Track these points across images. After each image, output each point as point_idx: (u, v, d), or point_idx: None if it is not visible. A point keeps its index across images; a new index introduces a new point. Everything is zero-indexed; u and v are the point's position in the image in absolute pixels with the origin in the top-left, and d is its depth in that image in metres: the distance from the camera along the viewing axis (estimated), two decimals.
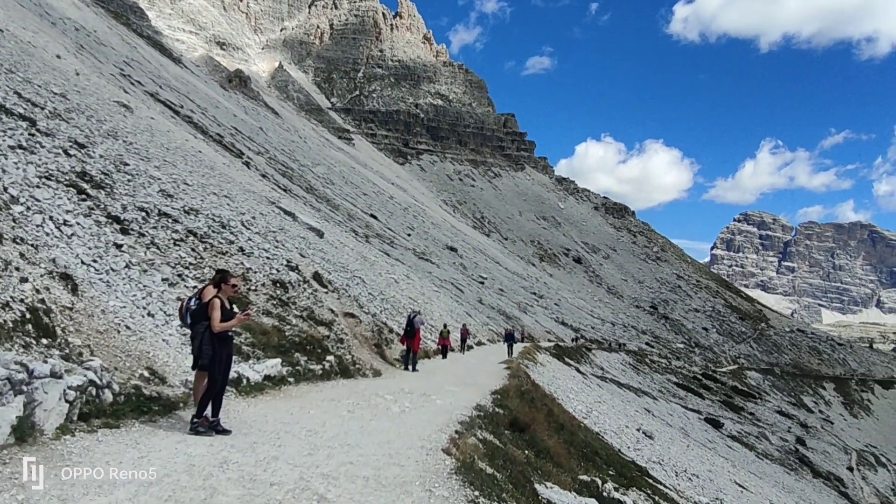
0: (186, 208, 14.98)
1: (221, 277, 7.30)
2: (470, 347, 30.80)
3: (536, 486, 7.24)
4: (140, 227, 11.86)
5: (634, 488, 11.94)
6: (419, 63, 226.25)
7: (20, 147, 11.60)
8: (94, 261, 9.24)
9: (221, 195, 23.18)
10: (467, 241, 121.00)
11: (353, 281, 23.29)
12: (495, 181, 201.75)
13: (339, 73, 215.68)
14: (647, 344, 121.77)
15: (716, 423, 61.17)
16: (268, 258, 15.83)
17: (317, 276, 17.85)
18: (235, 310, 7.54)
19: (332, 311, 15.29)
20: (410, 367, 17.38)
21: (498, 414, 10.05)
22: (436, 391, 11.95)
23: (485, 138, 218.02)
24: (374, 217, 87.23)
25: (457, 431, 8.01)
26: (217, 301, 7.05)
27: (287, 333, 12.08)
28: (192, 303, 7.39)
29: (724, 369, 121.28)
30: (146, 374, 7.56)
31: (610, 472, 11.90)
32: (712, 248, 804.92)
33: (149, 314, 9.03)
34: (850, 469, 77.81)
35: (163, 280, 10.23)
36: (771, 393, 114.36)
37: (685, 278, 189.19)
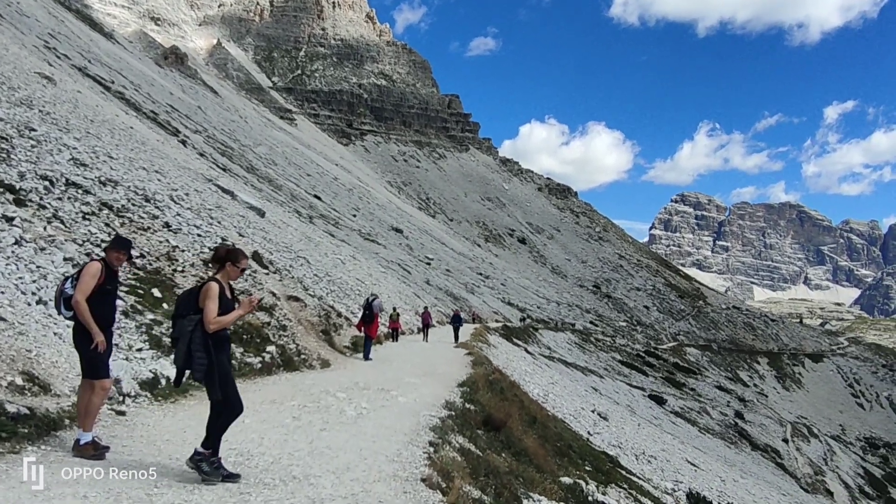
0: (103, 179, 13.10)
1: (226, 255, 5.49)
2: (431, 327, 29.58)
3: (524, 501, 5.98)
4: (41, 199, 10.07)
5: (613, 484, 10.98)
6: (362, 42, 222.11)
7: None
8: None
9: (151, 170, 21.16)
10: (413, 223, 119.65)
11: (297, 262, 21.64)
12: (440, 162, 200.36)
13: (280, 51, 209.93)
14: (591, 322, 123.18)
15: (659, 400, 61.99)
16: (199, 235, 14.06)
17: (256, 256, 16.20)
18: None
19: (274, 295, 13.71)
20: (363, 356, 15.87)
21: (469, 411, 8.77)
22: (395, 385, 10.53)
23: (429, 119, 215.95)
24: (318, 198, 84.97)
25: (430, 443, 6.59)
26: (215, 286, 5.27)
27: None
28: (69, 285, 5.52)
29: (665, 346, 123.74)
30: (19, 381, 5.85)
31: (587, 469, 10.86)
32: (651, 229, 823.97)
33: (39, 301, 7.30)
34: (786, 441, 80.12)
35: (65, 260, 8.51)
36: (709, 368, 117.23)
37: (626, 258, 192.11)
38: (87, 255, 9.22)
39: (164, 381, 7.37)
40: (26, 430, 5.19)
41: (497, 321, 66.94)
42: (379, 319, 17.26)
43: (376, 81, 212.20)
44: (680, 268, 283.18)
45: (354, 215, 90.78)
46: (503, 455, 7.61)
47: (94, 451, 5.25)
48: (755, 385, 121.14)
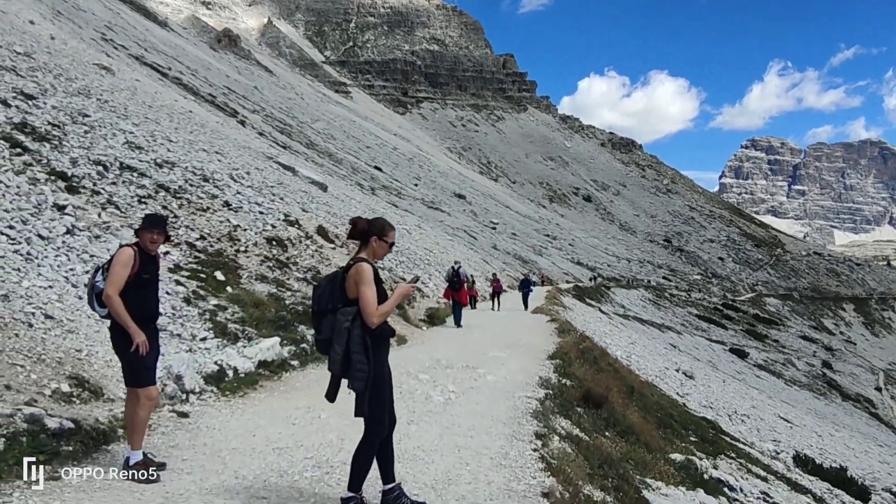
0: (159, 161, 12.69)
1: (370, 227, 4.38)
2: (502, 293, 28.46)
3: (644, 492, 5.14)
4: (94, 184, 9.64)
5: (722, 455, 10.01)
6: (412, 8, 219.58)
7: None
8: (11, 227, 7.01)
9: (212, 151, 20.90)
10: (475, 188, 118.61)
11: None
12: (499, 125, 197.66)
13: (331, 24, 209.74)
14: (664, 278, 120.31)
15: (741, 354, 60.23)
16: (261, 213, 13.53)
17: (321, 231, 15.64)
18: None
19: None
20: (454, 324, 16.36)
21: (566, 387, 7.92)
22: (480, 360, 9.72)
23: (485, 81, 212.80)
24: (379, 169, 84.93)
25: (536, 434, 5.73)
26: (368, 267, 4.16)
27: (287, 302, 9.88)
28: (100, 277, 4.68)
29: (742, 298, 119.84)
30: (66, 387, 5.20)
31: (692, 440, 9.94)
32: (721, 177, 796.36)
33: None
34: (879, 389, 76.86)
35: (122, 247, 8.00)
36: (791, 318, 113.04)
37: (697, 209, 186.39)
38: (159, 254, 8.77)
39: (231, 374, 6.74)
40: (70, 448, 4.45)
41: (568, 282, 65.90)
42: (466, 286, 17.85)
43: (429, 47, 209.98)
44: (754, 216, 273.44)
45: (416, 184, 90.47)
46: (608, 434, 6.78)
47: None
48: (841, 333, 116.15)
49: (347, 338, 4.06)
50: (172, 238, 9.70)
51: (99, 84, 24.02)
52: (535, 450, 5.34)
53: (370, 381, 4.10)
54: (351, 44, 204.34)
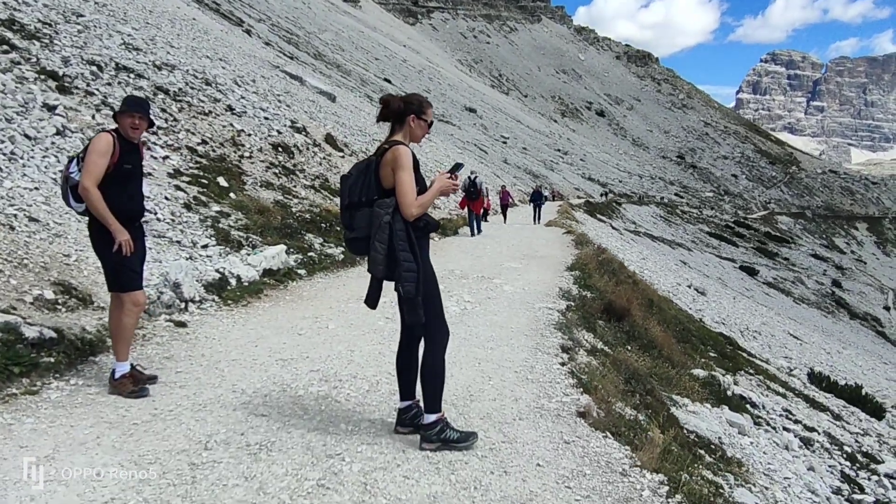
0: (158, 63, 12.02)
1: (405, 105, 3.77)
2: (511, 207, 27.94)
3: (672, 409, 4.86)
4: (88, 85, 9.07)
5: (741, 372, 9.82)
6: None
7: None
8: None
9: (215, 58, 20.07)
10: (486, 101, 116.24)
11: (372, 145, 20.50)
12: (511, 36, 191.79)
13: None
14: (675, 195, 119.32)
15: (751, 271, 60.20)
16: (266, 118, 12.93)
17: (329, 139, 15.07)
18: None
19: None
20: (470, 233, 16.61)
21: (587, 299, 7.57)
22: (496, 271, 9.37)
23: None
24: (388, 81, 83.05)
25: (562, 348, 5.36)
26: (407, 151, 3.61)
27: (294, 209, 9.45)
28: (74, 168, 4.12)
29: (754, 216, 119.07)
30: (50, 293, 4.80)
31: (711, 355, 9.72)
32: (738, 93, 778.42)
33: None
34: (887, 308, 77.14)
35: (99, 133, 7.54)
36: (803, 237, 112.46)
37: (712, 125, 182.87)
38: (143, 143, 8.28)
39: (233, 282, 6.40)
40: (52, 360, 4.03)
41: (579, 197, 65.44)
42: (483, 195, 17.94)
43: None
44: (770, 133, 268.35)
45: (427, 97, 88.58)
46: (630, 348, 6.48)
47: (132, 387, 4.04)
48: (853, 252, 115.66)
49: (390, 233, 3.52)
50: (172, 143, 9.21)
51: None
52: (562, 363, 4.98)
53: (420, 283, 3.56)
54: None
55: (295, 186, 10.53)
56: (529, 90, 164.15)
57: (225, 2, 73.44)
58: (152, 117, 4.69)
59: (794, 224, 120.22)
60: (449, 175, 3.70)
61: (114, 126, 4.38)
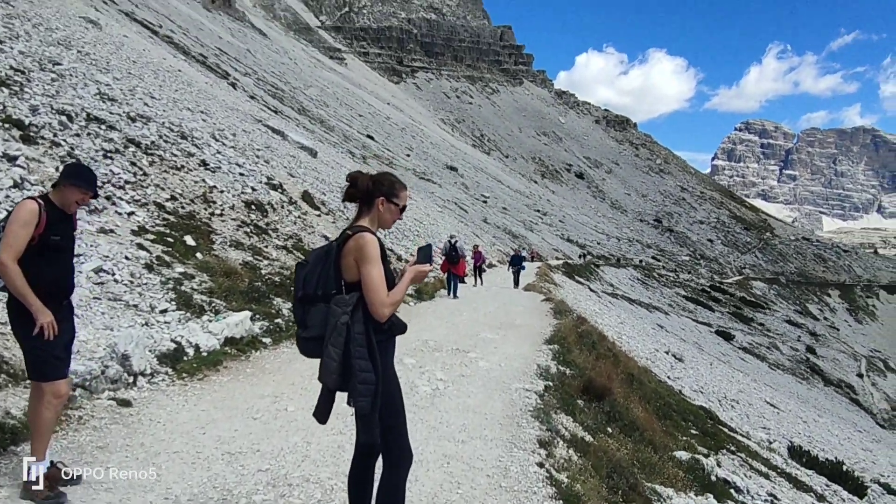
0: (133, 115, 11.77)
1: (374, 185, 3.35)
2: (483, 272, 27.51)
3: None
4: (55, 135, 8.77)
5: (723, 450, 9.49)
6: None
7: None
8: None
9: (196, 111, 19.95)
10: (468, 160, 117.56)
11: (352, 203, 20.33)
12: (493, 97, 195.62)
13: None
14: (652, 258, 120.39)
15: (727, 336, 60.28)
16: (241, 174, 12.65)
17: (306, 197, 14.81)
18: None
19: (327, 239, 12.31)
20: (449, 295, 17.00)
21: (566, 377, 7.21)
22: (471, 343, 8.96)
23: (481, 53, 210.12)
24: (371, 138, 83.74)
25: (539, 442, 4.87)
26: (374, 240, 3.17)
27: (263, 272, 9.08)
28: None
29: (730, 280, 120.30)
30: None
31: (693, 432, 9.40)
32: (713, 159, 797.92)
33: None
34: (860, 376, 77.47)
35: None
36: (777, 302, 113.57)
37: (689, 190, 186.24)
38: (108, 198, 7.92)
39: (191, 352, 5.95)
40: None
41: (557, 258, 65.67)
42: (463, 258, 18.43)
43: (425, 15, 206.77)
44: (745, 199, 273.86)
45: (408, 154, 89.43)
46: (611, 430, 6.13)
47: (48, 492, 3.46)
48: (826, 318, 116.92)
49: (347, 337, 3.01)
50: (139, 198, 8.87)
51: (82, 36, 22.96)
52: (540, 464, 4.53)
53: (378, 397, 3.04)
54: (347, 9, 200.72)
55: (266, 247, 10.19)
56: (510, 151, 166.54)
57: (212, 55, 74.25)
58: (99, 186, 4.30)
59: (768, 289, 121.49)
60: (417, 261, 3.31)
61: (53, 191, 3.86)
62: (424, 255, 3.31)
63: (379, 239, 3.21)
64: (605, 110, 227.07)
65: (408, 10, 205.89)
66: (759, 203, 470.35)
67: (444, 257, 18.26)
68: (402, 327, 3.31)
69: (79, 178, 3.80)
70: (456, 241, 18.18)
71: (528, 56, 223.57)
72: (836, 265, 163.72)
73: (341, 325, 3.01)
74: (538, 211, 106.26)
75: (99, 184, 8.14)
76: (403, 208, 3.41)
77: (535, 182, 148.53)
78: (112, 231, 7.44)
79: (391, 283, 3.16)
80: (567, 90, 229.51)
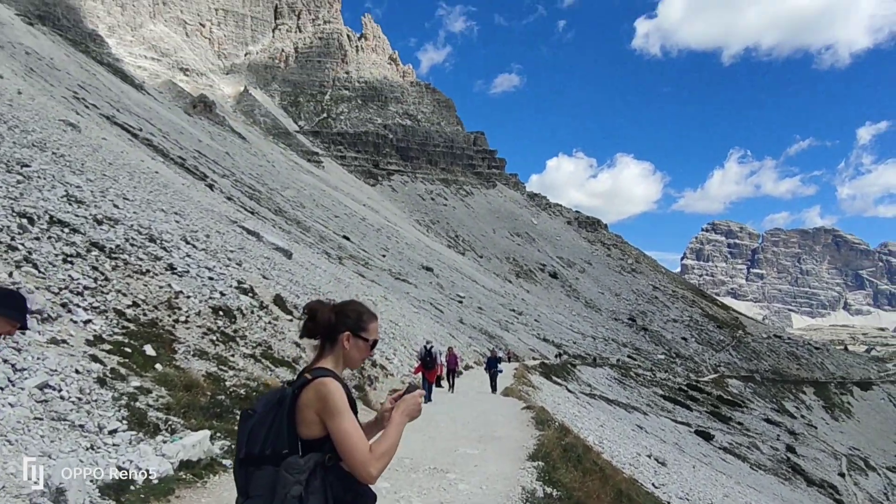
0: (100, 217, 11.43)
1: (338, 318, 2.83)
2: (459, 374, 26.66)
3: None
4: (12, 239, 8.38)
5: None
6: (386, 83, 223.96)
7: None
8: None
9: (170, 212, 19.72)
10: (443, 261, 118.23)
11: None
12: (467, 199, 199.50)
13: (306, 95, 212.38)
14: (629, 357, 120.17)
15: (707, 436, 59.44)
16: (210, 278, 12.22)
17: (279, 301, 14.37)
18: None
19: (298, 345, 11.78)
20: (425, 399, 16.29)
21: (552, 500, 6.63)
22: (449, 460, 8.28)
23: (455, 157, 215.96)
24: (347, 238, 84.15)
25: None
26: (337, 390, 2.60)
27: (228, 383, 8.50)
28: None
29: (706, 379, 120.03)
30: None
31: None
32: (682, 259, 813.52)
33: None
34: (842, 475, 76.32)
35: (29, 313, 6.67)
36: (754, 400, 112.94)
37: (661, 289, 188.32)
38: (63, 305, 7.45)
39: (140, 479, 5.19)
40: None
41: (534, 359, 65.16)
42: (438, 363, 18.74)
43: (401, 122, 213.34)
44: (716, 297, 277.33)
45: (384, 255, 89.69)
46: None
47: None
48: (803, 416, 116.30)
49: None
50: (98, 305, 8.39)
51: (58, 139, 22.96)
52: None
53: None
54: (325, 115, 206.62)
55: (233, 356, 9.65)
56: (485, 251, 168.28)
57: (191, 157, 75.16)
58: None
59: (744, 387, 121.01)
60: (414, 395, 2.81)
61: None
62: (410, 390, 2.88)
63: (345, 384, 2.66)
64: (577, 212, 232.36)
65: (384, 117, 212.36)
66: (729, 301, 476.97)
67: (419, 362, 18.21)
68: (372, 497, 2.67)
69: (5, 305, 3.17)
70: (432, 347, 18.30)
71: (501, 160, 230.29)
72: (809, 362, 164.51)
73: (292, 497, 2.40)
74: (513, 310, 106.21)
75: (55, 290, 7.69)
76: (374, 344, 2.88)
77: (510, 282, 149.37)
78: (64, 342, 6.94)
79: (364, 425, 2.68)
80: (539, 192, 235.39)
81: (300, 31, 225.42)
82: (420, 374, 18.07)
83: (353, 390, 12.44)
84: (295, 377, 2.82)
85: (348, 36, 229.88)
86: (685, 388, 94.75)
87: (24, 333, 6.21)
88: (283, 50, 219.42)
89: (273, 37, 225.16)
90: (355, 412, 2.63)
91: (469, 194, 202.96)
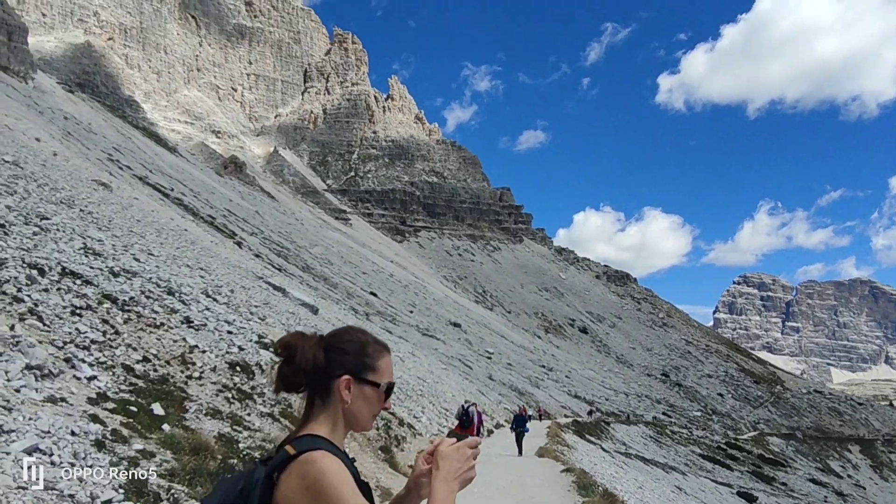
0: (116, 269, 11.03)
1: (331, 357, 1.92)
2: (490, 433, 25.60)
3: None
4: (19, 290, 7.95)
5: None
6: (412, 142, 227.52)
7: None
8: None
9: (196, 267, 19.45)
10: (471, 316, 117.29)
11: None
12: (495, 255, 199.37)
13: (334, 155, 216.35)
14: (663, 414, 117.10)
15: (750, 498, 56.94)
16: (229, 332, 11.67)
17: None
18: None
19: None
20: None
21: None
22: None
23: (481, 213, 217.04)
24: (375, 295, 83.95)
25: None
26: (334, 465, 1.71)
27: (241, 445, 7.85)
28: None
29: (745, 436, 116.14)
30: None
31: None
32: (715, 312, 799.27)
33: None
34: None
35: (27, 369, 6.13)
36: (797, 459, 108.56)
37: (694, 343, 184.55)
38: (66, 360, 6.93)
39: None
40: None
41: (566, 416, 63.58)
42: (475, 423, 17.92)
43: (428, 179, 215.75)
44: (751, 352, 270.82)
45: (411, 311, 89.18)
46: None
47: None
48: (849, 476, 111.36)
49: None
50: (106, 360, 7.87)
51: (87, 196, 23.06)
52: None
53: None
54: (352, 173, 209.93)
55: (249, 415, 9.01)
56: (513, 306, 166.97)
57: (220, 216, 76.12)
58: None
59: (785, 446, 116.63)
60: (457, 438, 1.93)
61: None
62: (464, 418, 1.96)
63: (347, 459, 1.82)
64: (605, 266, 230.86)
65: (410, 174, 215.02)
66: (765, 355, 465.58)
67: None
68: None
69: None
70: (469, 407, 18.00)
71: (528, 215, 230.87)
72: (853, 418, 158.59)
73: None
74: (543, 366, 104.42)
75: (59, 344, 7.18)
76: (389, 389, 1.96)
77: (539, 337, 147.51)
78: (63, 400, 6.38)
79: None
80: (567, 247, 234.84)
81: (329, 94, 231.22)
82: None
83: (380, 452, 11.51)
84: (274, 449, 1.86)
85: (375, 97, 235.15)
86: (724, 447, 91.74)
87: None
88: (311, 111, 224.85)
89: (302, 99, 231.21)
90: (370, 500, 1.75)
91: (496, 249, 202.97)
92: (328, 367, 1.90)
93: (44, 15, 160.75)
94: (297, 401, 11.32)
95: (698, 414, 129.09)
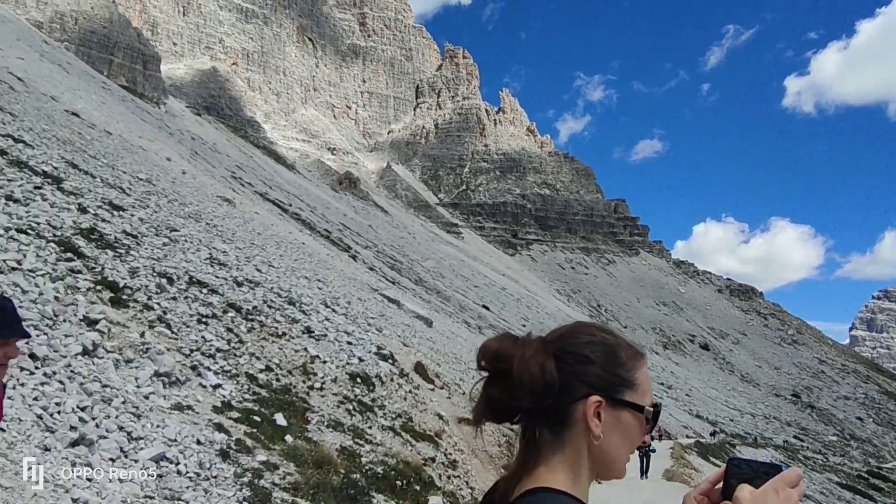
0: (240, 279, 11.22)
1: (569, 364, 1.33)
2: None
3: None
4: (149, 298, 8.13)
5: None
6: (524, 154, 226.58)
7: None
8: None
9: (313, 279, 19.83)
10: None
11: (467, 374, 18.69)
12: (609, 268, 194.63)
13: (446, 169, 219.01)
14: (795, 437, 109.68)
15: None
16: (349, 343, 11.59)
17: (420, 368, 13.55)
18: None
19: (441, 417, 10.76)
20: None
21: None
22: None
23: (595, 225, 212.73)
24: (487, 308, 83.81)
25: None
26: None
27: (364, 460, 7.58)
28: None
29: (889, 465, 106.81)
30: None
31: None
32: (851, 329, 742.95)
33: (76, 443, 4.70)
34: None
35: (156, 376, 6.14)
36: None
37: (828, 362, 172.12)
38: (193, 368, 6.95)
39: None
40: None
41: (688, 436, 60.60)
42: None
43: (539, 191, 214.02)
44: (894, 373, 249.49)
45: (524, 325, 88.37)
46: None
47: None
48: None
49: None
50: (230, 369, 7.87)
51: (212, 211, 24.07)
52: None
53: None
54: (464, 187, 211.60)
55: (370, 427, 8.79)
56: (629, 321, 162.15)
57: (336, 230, 78.54)
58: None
59: None
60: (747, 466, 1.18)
61: None
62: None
63: None
64: (728, 279, 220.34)
65: (522, 187, 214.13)
66: None
67: None
68: None
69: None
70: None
71: (644, 227, 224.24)
72: None
73: None
74: (662, 384, 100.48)
75: (186, 352, 7.20)
76: (657, 415, 1.40)
77: (657, 353, 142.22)
78: (189, 408, 6.37)
79: None
80: (686, 260, 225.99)
81: (440, 108, 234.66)
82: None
83: (503, 470, 10.96)
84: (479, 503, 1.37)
85: (486, 110, 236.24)
86: (865, 475, 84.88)
87: (28, 344, 5.45)
88: (423, 126, 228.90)
89: (414, 114, 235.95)
90: None
91: (611, 262, 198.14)
92: (565, 385, 1.30)
93: (174, 44, 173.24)
94: (415, 417, 11.01)
95: (834, 438, 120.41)
